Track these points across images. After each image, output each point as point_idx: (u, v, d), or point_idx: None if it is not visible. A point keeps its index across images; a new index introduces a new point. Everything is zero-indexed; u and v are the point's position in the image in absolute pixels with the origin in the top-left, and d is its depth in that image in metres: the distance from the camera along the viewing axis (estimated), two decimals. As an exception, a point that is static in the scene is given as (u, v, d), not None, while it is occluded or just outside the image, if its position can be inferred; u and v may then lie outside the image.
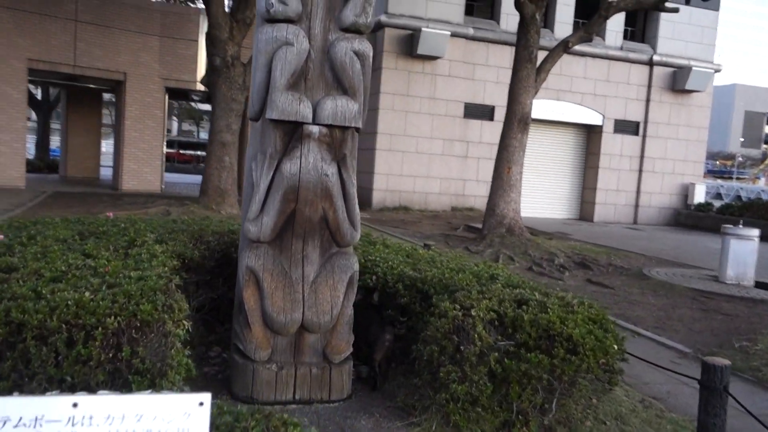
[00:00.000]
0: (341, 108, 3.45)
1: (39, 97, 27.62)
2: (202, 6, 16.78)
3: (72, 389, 2.68)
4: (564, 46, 12.68)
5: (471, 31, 18.18)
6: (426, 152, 18.24)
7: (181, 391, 2.96)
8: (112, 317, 2.66)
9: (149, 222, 4.71)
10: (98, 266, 3.07)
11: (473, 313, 3.32)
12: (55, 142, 27.23)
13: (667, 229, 19.29)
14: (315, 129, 3.42)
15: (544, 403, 3.38)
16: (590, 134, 20.44)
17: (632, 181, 20.51)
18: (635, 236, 16.55)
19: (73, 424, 1.85)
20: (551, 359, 3.20)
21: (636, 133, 20.39)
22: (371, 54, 3.57)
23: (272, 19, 3.40)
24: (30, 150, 32.12)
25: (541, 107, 19.01)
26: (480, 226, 13.00)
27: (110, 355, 2.62)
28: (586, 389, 3.54)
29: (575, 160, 20.66)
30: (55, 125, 27.71)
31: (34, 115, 30.24)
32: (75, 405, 1.86)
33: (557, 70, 18.87)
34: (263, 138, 3.48)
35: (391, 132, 17.85)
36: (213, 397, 3.56)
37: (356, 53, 3.48)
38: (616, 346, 3.44)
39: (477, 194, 18.40)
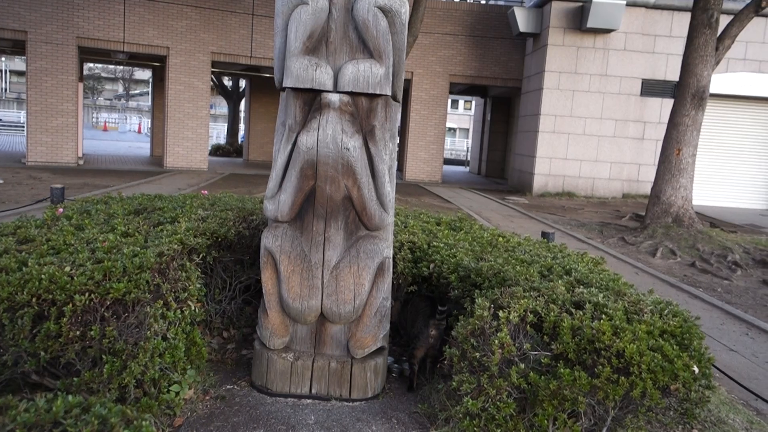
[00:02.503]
0: (363, 73, 3.04)
1: (230, 87, 30.25)
2: None
3: (48, 364, 2.64)
4: (755, 7, 10.72)
5: (652, -1, 16.33)
6: (595, 134, 16.80)
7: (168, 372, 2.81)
8: (86, 294, 2.57)
9: (216, 199, 4.69)
10: (98, 241, 3.02)
11: (501, 314, 2.75)
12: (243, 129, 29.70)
13: None
14: (335, 98, 3.06)
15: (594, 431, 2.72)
16: (802, 111, 17.38)
17: None
18: None
19: None
20: (592, 378, 2.55)
21: None
22: (403, 9, 3.10)
23: (290, -23, 3.09)
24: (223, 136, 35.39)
25: (736, 81, 16.58)
26: (649, 215, 11.61)
27: (78, 332, 2.53)
28: (655, 418, 2.79)
29: (781, 142, 17.74)
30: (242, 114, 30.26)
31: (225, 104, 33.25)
32: None
33: (760, 38, 16.35)
34: (286, 109, 3.21)
35: (556, 113, 16.68)
36: (232, 383, 3.42)
37: (382, 9, 3.04)
38: (695, 369, 2.66)
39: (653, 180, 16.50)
